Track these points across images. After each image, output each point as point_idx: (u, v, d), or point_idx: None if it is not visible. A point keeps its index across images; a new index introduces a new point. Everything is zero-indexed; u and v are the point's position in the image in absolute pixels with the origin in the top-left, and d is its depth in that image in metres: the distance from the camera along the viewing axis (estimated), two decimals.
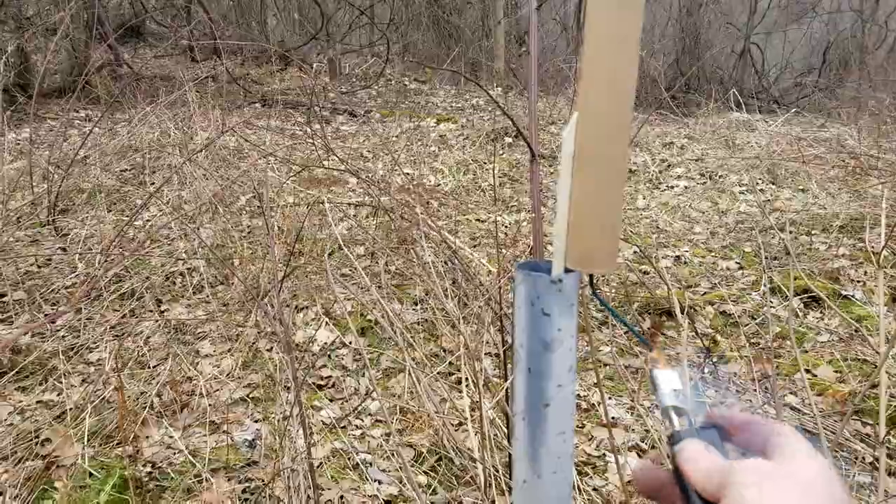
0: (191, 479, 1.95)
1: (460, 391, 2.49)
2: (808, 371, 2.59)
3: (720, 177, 5.61)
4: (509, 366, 1.88)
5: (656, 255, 3.60)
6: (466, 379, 2.01)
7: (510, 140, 6.38)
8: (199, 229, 3.73)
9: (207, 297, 3.14)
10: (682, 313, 2.75)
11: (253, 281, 3.13)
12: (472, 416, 1.91)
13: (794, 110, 9.15)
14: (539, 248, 1.56)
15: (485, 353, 2.50)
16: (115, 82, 7.86)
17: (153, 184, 4.33)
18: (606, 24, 0.38)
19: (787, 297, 3.03)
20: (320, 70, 10.32)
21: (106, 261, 3.13)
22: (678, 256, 3.86)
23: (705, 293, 3.27)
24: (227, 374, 2.54)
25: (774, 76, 15.31)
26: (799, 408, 2.38)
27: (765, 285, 3.17)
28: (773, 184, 5.35)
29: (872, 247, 2.90)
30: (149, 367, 2.56)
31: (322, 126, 6.36)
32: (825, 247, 3.88)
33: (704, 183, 5.57)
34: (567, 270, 0.42)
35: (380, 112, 7.54)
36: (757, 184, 5.30)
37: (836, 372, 2.62)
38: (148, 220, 3.91)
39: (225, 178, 4.41)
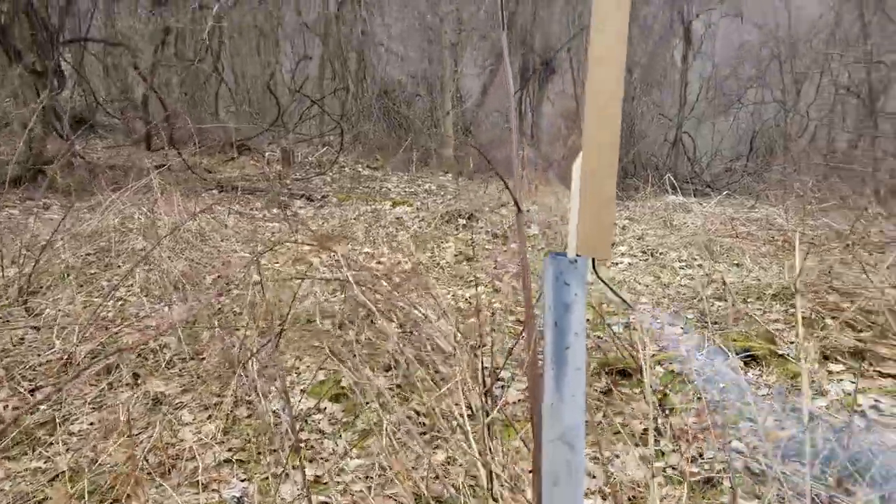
0: None
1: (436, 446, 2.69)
2: (749, 419, 2.87)
3: (661, 253, 6.05)
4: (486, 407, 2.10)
5: (608, 322, 3.91)
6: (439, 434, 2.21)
7: (463, 221, 6.74)
8: (169, 308, 3.88)
9: (181, 371, 3.28)
10: (640, 372, 3.03)
11: (228, 353, 3.28)
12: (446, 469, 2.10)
13: (725, 193, 9.87)
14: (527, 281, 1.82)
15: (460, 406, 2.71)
16: (70, 172, 8.00)
17: (120, 265, 4.47)
18: (601, 80, 0.66)
19: (728, 356, 3.35)
20: (272, 159, 10.67)
21: (83, 338, 3.25)
22: (627, 324, 4.18)
23: (654, 354, 3.57)
24: (211, 438, 2.67)
25: (706, 162, 16.39)
26: (743, 451, 2.65)
27: (707, 346, 3.49)
28: (710, 259, 5.81)
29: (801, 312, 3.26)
30: (132, 436, 2.67)
31: (282, 209, 6.62)
32: (760, 312, 4.26)
33: (647, 259, 6.00)
34: (578, 257, 0.69)
35: (336, 196, 7.85)
36: (695, 259, 5.75)
37: (775, 420, 2.91)
38: (119, 300, 4.03)
39: (190, 259, 4.59)
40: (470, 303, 4.37)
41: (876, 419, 2.89)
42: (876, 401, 3.02)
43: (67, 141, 8.84)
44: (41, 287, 4.10)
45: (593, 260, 0.69)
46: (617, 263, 6.01)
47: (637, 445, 2.66)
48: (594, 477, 2.52)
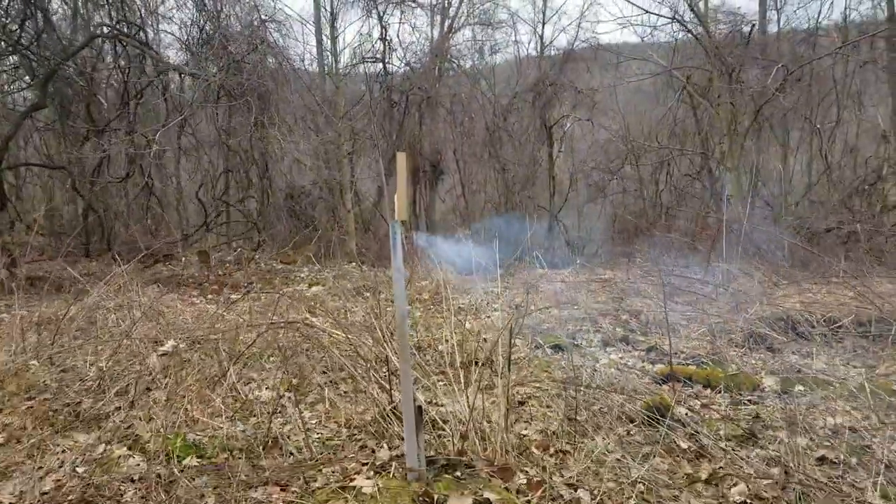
0: None
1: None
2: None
3: (522, 306, 8.18)
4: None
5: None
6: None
7: (368, 294, 8.68)
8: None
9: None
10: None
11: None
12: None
13: (580, 263, 12.29)
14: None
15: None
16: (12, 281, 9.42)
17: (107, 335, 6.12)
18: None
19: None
20: (188, 262, 12.34)
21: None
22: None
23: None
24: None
25: (582, 243, 19.16)
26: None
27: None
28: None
29: None
30: None
31: (217, 295, 8.36)
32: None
33: (513, 310, 8.10)
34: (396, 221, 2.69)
35: (259, 284, 9.64)
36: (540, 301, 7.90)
37: None
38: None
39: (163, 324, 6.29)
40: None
41: None
42: None
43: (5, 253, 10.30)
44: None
45: (404, 223, 2.72)
46: (489, 316, 8.08)
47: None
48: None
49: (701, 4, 15.60)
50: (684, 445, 3.67)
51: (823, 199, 12.90)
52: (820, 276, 7.45)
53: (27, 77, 11.95)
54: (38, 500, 3.09)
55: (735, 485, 3.26)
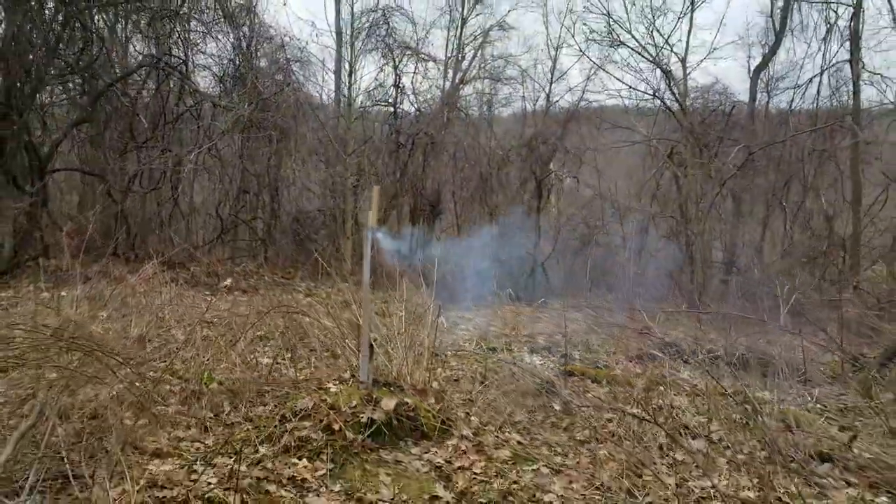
0: None
1: None
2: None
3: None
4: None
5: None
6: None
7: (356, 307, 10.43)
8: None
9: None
10: None
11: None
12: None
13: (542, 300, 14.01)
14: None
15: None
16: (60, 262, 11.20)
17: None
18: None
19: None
20: (197, 271, 14.13)
21: None
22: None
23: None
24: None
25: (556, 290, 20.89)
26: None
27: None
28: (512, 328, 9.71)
29: None
30: None
31: (229, 292, 10.14)
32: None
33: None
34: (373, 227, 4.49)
35: (264, 289, 11.42)
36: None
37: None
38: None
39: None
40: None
41: None
42: None
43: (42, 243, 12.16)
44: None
45: (374, 230, 4.55)
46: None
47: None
48: None
49: (682, 84, 17.61)
50: (557, 408, 5.43)
51: (774, 266, 14.69)
52: (727, 323, 9.20)
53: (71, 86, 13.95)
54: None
55: (583, 430, 5.02)
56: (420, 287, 11.78)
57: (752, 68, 19.30)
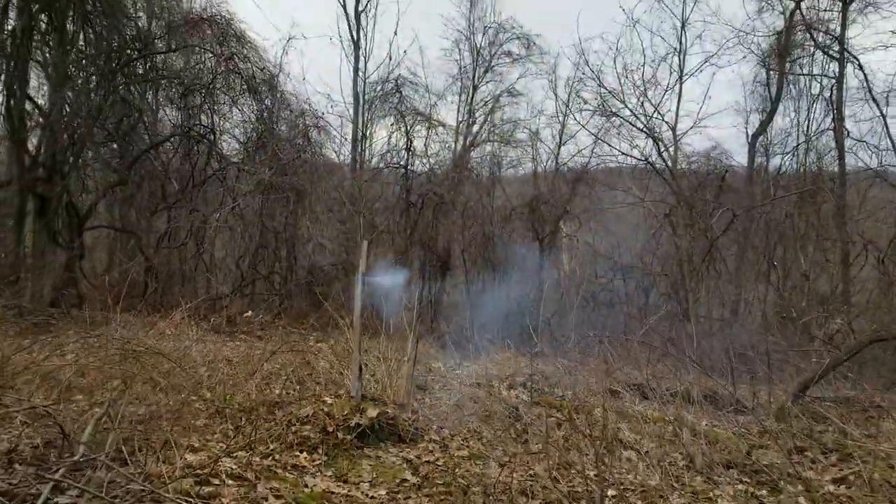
0: None
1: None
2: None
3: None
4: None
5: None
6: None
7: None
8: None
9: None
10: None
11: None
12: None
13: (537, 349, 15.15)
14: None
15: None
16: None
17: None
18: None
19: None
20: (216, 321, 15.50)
21: None
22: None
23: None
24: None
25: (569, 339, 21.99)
26: None
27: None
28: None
29: None
30: None
31: (249, 337, 11.44)
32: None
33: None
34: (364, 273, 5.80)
35: (278, 336, 12.71)
36: None
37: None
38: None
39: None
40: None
41: None
42: None
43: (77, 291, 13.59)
44: None
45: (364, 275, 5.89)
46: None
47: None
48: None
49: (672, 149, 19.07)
50: (520, 428, 6.62)
51: (755, 322, 15.78)
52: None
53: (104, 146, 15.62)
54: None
55: (534, 443, 6.20)
56: (421, 337, 13.06)
57: (751, 134, 20.78)
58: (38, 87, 15.35)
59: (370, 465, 5.15)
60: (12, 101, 13.07)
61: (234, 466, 4.94)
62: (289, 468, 5.01)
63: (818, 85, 18.82)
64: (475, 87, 27.04)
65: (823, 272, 16.22)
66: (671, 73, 20.41)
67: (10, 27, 12.93)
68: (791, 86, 19.42)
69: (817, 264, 16.51)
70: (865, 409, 7.68)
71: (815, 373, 7.77)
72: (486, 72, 27.00)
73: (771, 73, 19.94)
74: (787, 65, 19.43)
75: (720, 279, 18.27)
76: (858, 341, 8.24)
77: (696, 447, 5.98)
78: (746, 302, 18.16)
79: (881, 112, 16.33)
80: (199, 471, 4.81)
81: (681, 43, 20.66)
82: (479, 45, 26.76)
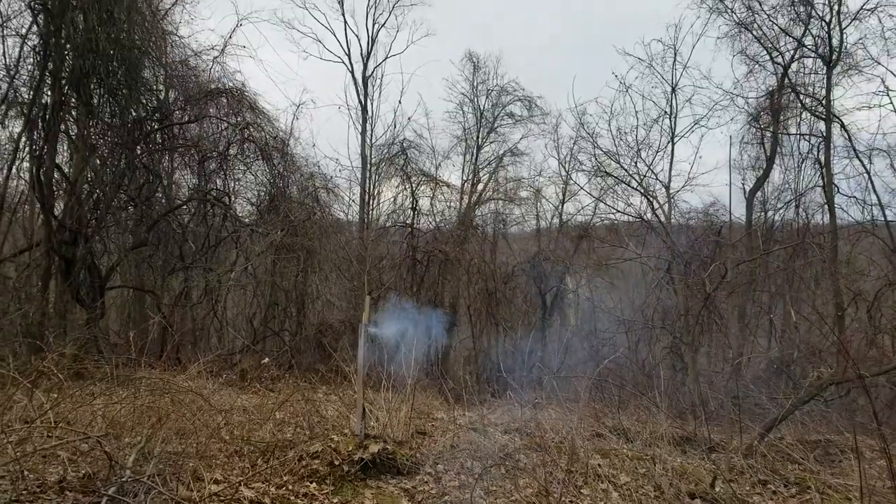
0: None
1: None
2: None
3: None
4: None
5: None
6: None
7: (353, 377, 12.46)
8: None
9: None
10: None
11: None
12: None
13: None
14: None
15: None
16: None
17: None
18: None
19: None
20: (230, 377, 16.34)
21: None
22: None
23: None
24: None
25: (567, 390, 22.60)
26: None
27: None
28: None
29: None
30: None
31: (264, 388, 12.27)
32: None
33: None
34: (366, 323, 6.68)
35: (289, 389, 13.52)
36: None
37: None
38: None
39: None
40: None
41: None
42: None
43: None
44: None
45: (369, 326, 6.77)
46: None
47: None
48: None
49: (667, 207, 20.05)
50: (509, 465, 7.39)
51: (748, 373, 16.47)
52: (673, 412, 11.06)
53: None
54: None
55: (521, 477, 6.98)
56: (425, 389, 13.80)
57: (748, 190, 21.78)
58: (62, 153, 16.56)
59: (372, 493, 5.95)
60: (42, 170, 14.21)
61: (252, 496, 5.76)
62: (300, 496, 5.82)
63: (807, 144, 19.82)
64: (479, 147, 28.37)
65: (816, 324, 16.94)
66: (661, 134, 21.55)
67: (43, 101, 14.15)
68: (779, 146, 20.45)
69: (809, 316, 17.24)
70: (827, 448, 8.42)
71: (778, 414, 8.52)
72: (489, 132, 28.38)
73: (764, 132, 21.01)
74: (780, 124, 20.52)
75: (719, 332, 19.00)
76: (817, 384, 8.98)
77: (665, 479, 6.74)
78: (744, 353, 18.84)
79: (866, 169, 17.30)
80: (222, 497, 5.64)
81: (671, 107, 21.89)
82: (482, 107, 28.21)
